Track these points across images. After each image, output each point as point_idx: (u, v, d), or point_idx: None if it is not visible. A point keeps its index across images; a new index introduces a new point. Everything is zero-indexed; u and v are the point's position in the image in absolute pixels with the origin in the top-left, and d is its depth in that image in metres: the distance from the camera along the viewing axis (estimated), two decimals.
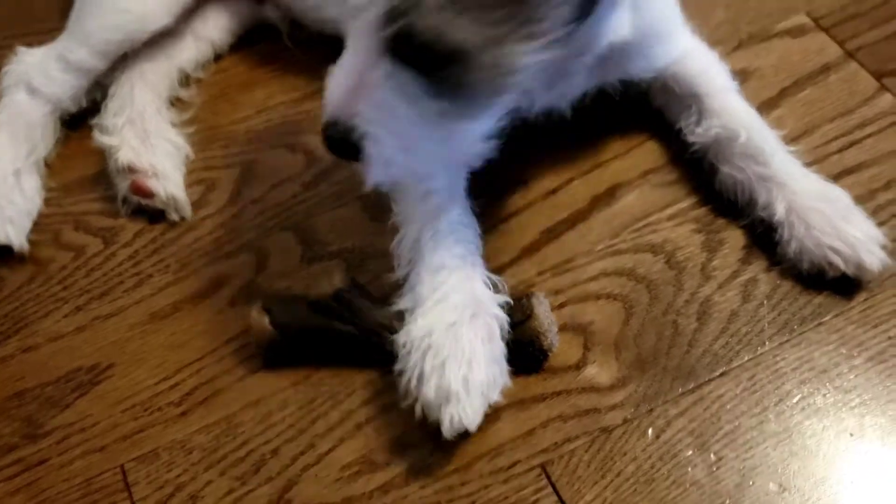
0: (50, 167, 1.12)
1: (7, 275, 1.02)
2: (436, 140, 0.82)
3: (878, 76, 1.09)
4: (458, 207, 0.94)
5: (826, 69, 1.10)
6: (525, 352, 0.88)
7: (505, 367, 0.85)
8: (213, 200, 1.06)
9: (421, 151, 0.82)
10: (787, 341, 0.90)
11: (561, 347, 0.91)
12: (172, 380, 0.93)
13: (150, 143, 1.06)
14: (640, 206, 1.00)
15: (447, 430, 0.81)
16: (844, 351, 0.89)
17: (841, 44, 1.12)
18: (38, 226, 1.05)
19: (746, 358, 0.89)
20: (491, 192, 1.02)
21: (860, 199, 0.97)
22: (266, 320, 0.90)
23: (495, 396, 0.84)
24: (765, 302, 0.92)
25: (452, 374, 0.82)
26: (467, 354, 0.83)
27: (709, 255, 0.96)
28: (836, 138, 1.04)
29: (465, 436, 0.84)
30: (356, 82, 0.78)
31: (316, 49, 1.15)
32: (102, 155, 1.09)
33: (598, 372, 0.90)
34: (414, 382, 0.83)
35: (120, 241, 1.04)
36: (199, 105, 1.15)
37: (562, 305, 0.94)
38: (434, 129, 0.81)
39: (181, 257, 1.02)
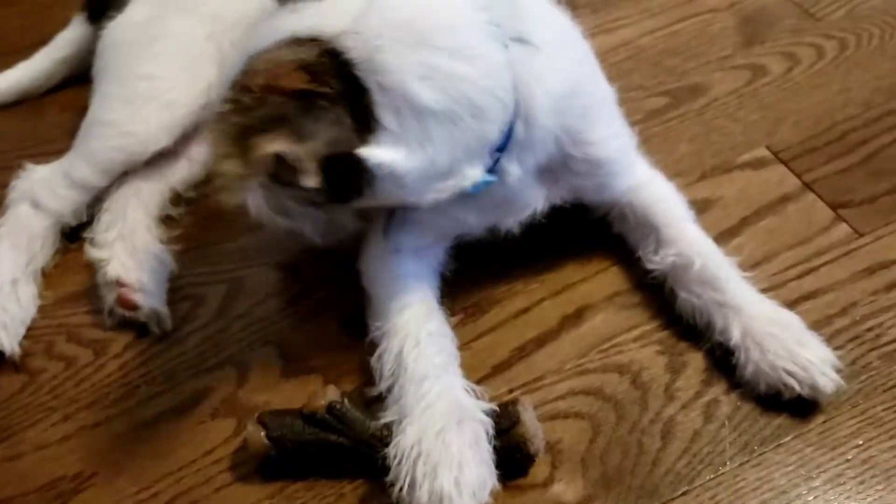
0: (48, 277, 1.17)
1: (0, 383, 1.06)
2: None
3: (834, 207, 1.15)
4: (435, 319, 0.99)
5: (785, 200, 1.17)
6: (512, 457, 0.92)
7: (493, 469, 0.89)
8: (200, 315, 1.11)
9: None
10: (748, 461, 0.93)
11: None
12: (153, 489, 0.96)
13: (139, 259, 1.12)
14: (607, 328, 1.05)
15: None
16: (803, 472, 0.92)
17: (799, 176, 1.19)
18: (33, 337, 1.10)
19: (708, 477, 0.92)
20: (465, 310, 1.07)
21: (817, 325, 1.02)
22: (262, 434, 0.93)
23: (486, 498, 0.87)
24: (726, 423, 0.96)
25: (444, 478, 0.85)
26: (457, 458, 0.87)
27: (672, 376, 1.00)
28: (793, 266, 1.09)
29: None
30: None
31: None
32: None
33: (565, 490, 0.92)
34: (406, 489, 0.86)
35: (110, 353, 1.08)
36: (191, 224, 1.21)
37: None
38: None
39: (167, 370, 1.06)
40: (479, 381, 1.00)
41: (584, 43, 1.04)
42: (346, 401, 0.94)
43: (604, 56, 1.36)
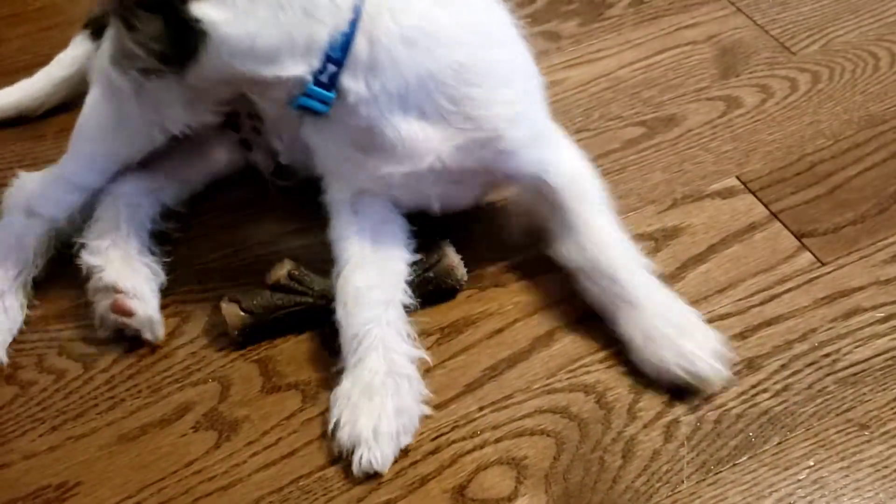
0: (42, 290, 1.20)
1: None
2: None
3: (799, 236, 1.19)
4: (373, 271, 1.08)
5: (752, 228, 1.21)
6: (444, 285, 1.13)
7: (415, 416, 1.01)
8: (186, 331, 1.15)
9: None
10: (704, 480, 0.97)
11: (494, 480, 0.98)
12: (134, 498, 1.00)
13: (133, 266, 1.14)
14: (576, 349, 1.09)
15: (356, 469, 0.98)
16: (756, 491, 0.96)
17: (767, 205, 1.24)
18: (25, 350, 1.14)
19: (665, 495, 0.96)
20: (441, 330, 1.12)
21: (777, 350, 1.07)
22: (237, 308, 1.08)
23: (407, 440, 1.00)
24: (685, 442, 1.00)
25: (363, 425, 0.98)
26: (378, 410, 0.99)
27: (636, 397, 1.04)
28: (757, 292, 1.13)
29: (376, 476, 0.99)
30: None
31: (292, 196, 1.27)
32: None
33: None
34: (334, 429, 1.00)
35: (99, 367, 1.12)
36: (181, 241, 1.25)
37: (498, 440, 1.01)
38: None
39: (153, 383, 1.10)
40: (451, 400, 1.05)
41: (488, 13, 1.06)
42: (301, 267, 1.11)
43: (584, 86, 1.44)
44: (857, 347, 1.07)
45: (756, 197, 1.25)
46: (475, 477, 0.98)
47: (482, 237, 1.22)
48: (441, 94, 1.00)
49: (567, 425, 1.02)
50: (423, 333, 1.11)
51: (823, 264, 1.16)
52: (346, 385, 1.02)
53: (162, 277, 1.18)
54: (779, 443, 0.99)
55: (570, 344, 1.10)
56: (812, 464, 0.97)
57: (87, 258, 1.15)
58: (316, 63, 0.96)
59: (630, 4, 1.59)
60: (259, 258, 1.21)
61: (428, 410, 1.03)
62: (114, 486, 1.01)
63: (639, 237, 1.20)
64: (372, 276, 1.07)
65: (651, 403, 1.03)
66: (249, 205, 1.29)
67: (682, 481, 0.97)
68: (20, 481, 1.02)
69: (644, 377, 1.05)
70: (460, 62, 1.00)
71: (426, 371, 1.07)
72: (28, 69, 1.46)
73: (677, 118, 1.37)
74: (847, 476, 0.96)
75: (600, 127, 1.37)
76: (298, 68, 0.96)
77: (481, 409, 1.04)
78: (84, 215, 1.20)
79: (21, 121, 1.44)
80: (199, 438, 1.04)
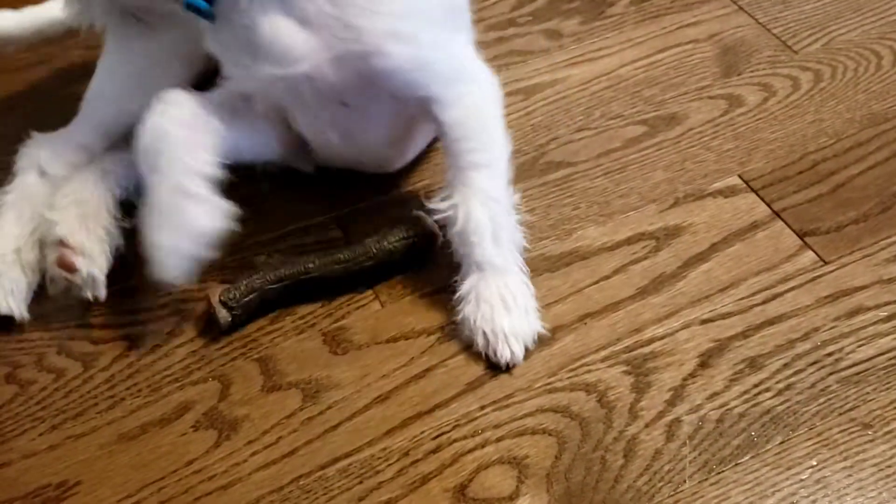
0: (41, 287, 1.18)
1: None
2: None
3: (802, 235, 1.19)
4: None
5: (754, 227, 1.21)
6: (428, 250, 1.16)
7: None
8: (186, 330, 1.15)
9: None
10: (707, 480, 0.96)
11: (495, 480, 0.97)
12: (134, 498, 0.99)
13: (88, 225, 1.15)
14: (577, 348, 1.08)
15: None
16: (759, 491, 0.95)
17: (769, 204, 1.23)
18: (24, 349, 1.14)
19: (667, 495, 0.95)
20: (441, 329, 1.11)
21: (779, 349, 1.06)
22: (228, 315, 1.11)
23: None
24: (687, 442, 1.00)
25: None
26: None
27: (637, 396, 1.04)
28: (759, 291, 1.13)
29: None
30: None
31: (292, 195, 1.27)
32: None
33: (530, 503, 0.96)
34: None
35: (98, 366, 1.12)
36: None
37: (499, 439, 1.01)
38: None
39: (153, 382, 1.10)
40: (452, 398, 1.05)
41: None
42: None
43: (585, 85, 1.43)
44: (860, 346, 1.06)
45: (758, 195, 1.25)
46: (476, 476, 0.98)
47: None
48: None
49: (568, 424, 1.02)
50: (424, 332, 1.11)
51: (826, 263, 1.15)
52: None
53: (119, 242, 1.18)
54: (781, 442, 0.99)
55: (571, 343, 1.09)
56: (815, 463, 0.97)
57: (46, 213, 1.16)
58: None
59: (631, 3, 1.58)
60: (258, 257, 1.21)
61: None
62: (114, 486, 1.01)
63: (640, 236, 1.20)
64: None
65: (652, 403, 1.03)
66: (248, 203, 1.28)
67: (685, 481, 0.96)
68: (20, 480, 1.01)
69: (641, 376, 1.05)
70: None
71: (427, 370, 1.07)
72: (27, 68, 1.46)
73: (679, 117, 1.37)
74: (850, 476, 0.96)
75: (601, 126, 1.36)
76: None
77: (482, 408, 1.04)
78: None
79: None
80: (199, 437, 1.04)
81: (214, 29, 1.04)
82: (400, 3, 1.00)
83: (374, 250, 1.14)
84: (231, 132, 1.11)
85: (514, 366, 1.06)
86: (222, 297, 1.11)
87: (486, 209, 1.08)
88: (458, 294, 1.09)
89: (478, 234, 1.07)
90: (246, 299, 1.12)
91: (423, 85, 1.06)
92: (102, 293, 1.14)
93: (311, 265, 1.14)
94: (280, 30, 0.99)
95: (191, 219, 1.04)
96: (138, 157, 1.06)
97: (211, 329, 1.14)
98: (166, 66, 1.23)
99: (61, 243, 1.12)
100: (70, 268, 1.11)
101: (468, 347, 1.08)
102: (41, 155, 1.22)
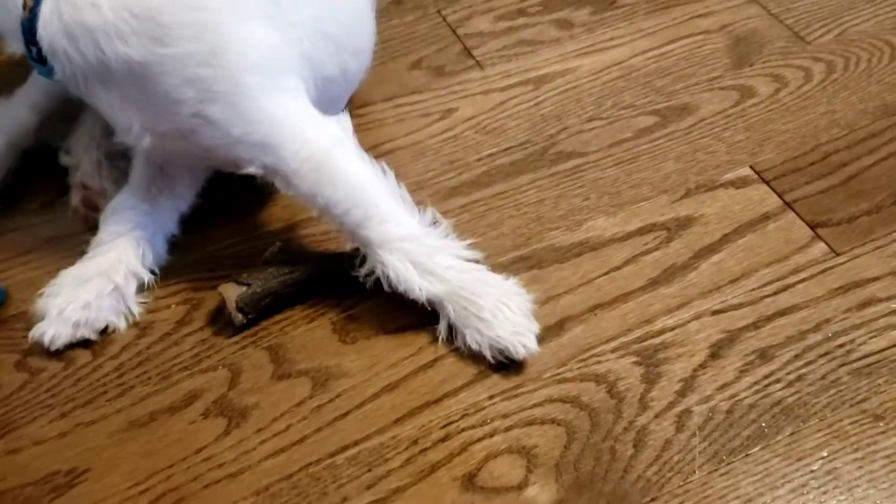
0: (50, 274, 1.18)
1: (1, 381, 1.10)
2: None
3: (813, 226, 1.18)
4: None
5: (765, 218, 1.20)
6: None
7: (102, 318, 1.12)
8: (196, 318, 1.15)
9: None
10: (716, 470, 0.96)
11: (504, 469, 0.97)
12: (143, 485, 1.00)
13: (101, 169, 1.27)
14: (587, 339, 1.08)
15: (31, 337, 1.10)
16: (769, 482, 0.95)
17: (780, 195, 1.23)
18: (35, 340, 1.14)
19: (677, 485, 0.95)
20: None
21: (790, 340, 1.06)
22: (233, 283, 1.12)
23: (86, 334, 1.11)
24: (697, 432, 0.99)
25: (54, 304, 1.10)
26: (72, 296, 1.10)
27: (647, 387, 1.03)
28: (771, 282, 1.12)
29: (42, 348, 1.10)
30: None
31: None
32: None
33: (539, 493, 0.96)
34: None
35: (108, 354, 1.12)
36: (190, 228, 1.24)
37: (508, 429, 1.01)
38: None
39: (163, 370, 1.10)
40: (461, 388, 1.05)
41: None
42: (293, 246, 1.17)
43: (596, 75, 1.43)
44: (871, 338, 1.06)
45: (770, 187, 1.24)
46: (485, 465, 0.98)
47: (491, 227, 1.21)
48: (130, 82, 1.01)
49: (578, 415, 1.01)
50: (435, 321, 1.10)
51: (837, 254, 1.15)
52: (71, 269, 1.13)
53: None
54: (792, 433, 0.98)
55: (580, 333, 1.09)
56: (826, 455, 0.96)
57: (64, 158, 1.30)
58: (21, 43, 1.02)
59: None
60: (269, 246, 1.21)
61: (120, 323, 1.13)
62: (123, 473, 1.01)
63: (651, 227, 1.20)
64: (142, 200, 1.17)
65: (663, 393, 1.02)
66: (259, 192, 1.29)
67: (694, 471, 0.96)
68: (30, 467, 1.02)
69: (651, 367, 1.04)
70: (139, 62, 0.99)
71: (435, 360, 1.07)
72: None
73: (690, 107, 1.36)
74: (861, 467, 0.95)
75: (612, 116, 1.36)
76: (17, 47, 1.03)
77: (491, 397, 1.04)
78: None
79: None
80: (209, 425, 1.04)
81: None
82: (200, 87, 0.99)
83: None
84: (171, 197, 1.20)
85: (532, 354, 1.04)
86: (239, 303, 1.10)
87: (400, 255, 1.06)
88: (439, 335, 1.08)
89: (410, 281, 1.06)
90: (262, 303, 1.12)
91: (252, 157, 1.05)
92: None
93: (323, 266, 1.13)
94: (114, 106, 1.05)
95: (105, 302, 1.12)
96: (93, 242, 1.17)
97: (221, 317, 1.14)
98: None
99: (84, 186, 1.25)
100: (94, 207, 1.24)
101: (489, 366, 1.06)
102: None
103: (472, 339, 1.05)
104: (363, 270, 1.09)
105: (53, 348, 1.10)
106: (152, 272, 1.16)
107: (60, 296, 1.11)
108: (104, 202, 1.22)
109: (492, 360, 1.05)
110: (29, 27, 1.00)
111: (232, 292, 1.11)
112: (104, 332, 1.14)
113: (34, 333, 1.10)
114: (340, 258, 1.13)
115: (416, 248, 1.07)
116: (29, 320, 1.14)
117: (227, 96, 1.01)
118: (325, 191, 1.05)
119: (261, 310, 1.12)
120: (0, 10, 1.02)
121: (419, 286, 1.06)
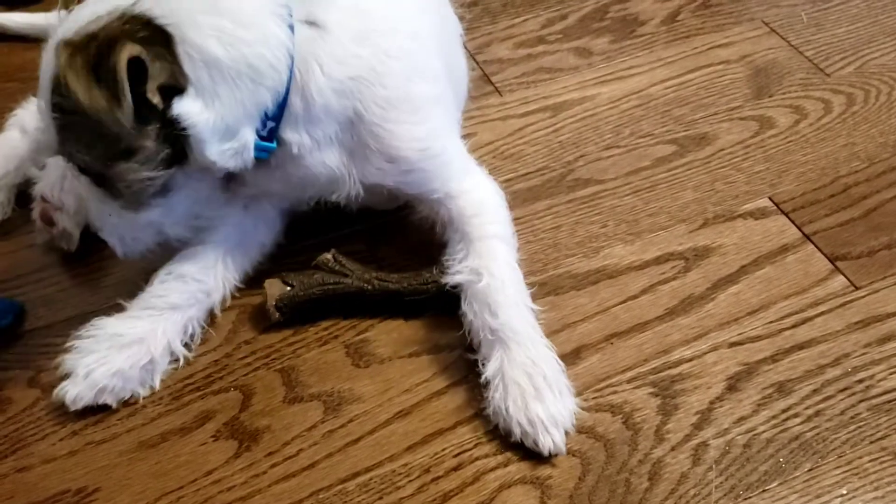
0: (65, 291, 1.20)
1: (14, 397, 1.10)
2: (138, 224, 1.07)
3: (833, 259, 1.17)
4: (199, 263, 1.13)
5: (784, 250, 1.19)
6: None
7: (129, 388, 1.07)
8: (209, 339, 1.14)
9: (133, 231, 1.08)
10: None
11: (517, 499, 0.96)
12: None
13: (66, 184, 1.25)
14: (603, 368, 1.07)
15: (54, 394, 1.06)
16: None
17: (800, 227, 1.22)
18: (46, 354, 1.13)
19: None
20: (464, 345, 1.10)
21: (809, 374, 1.05)
22: (279, 281, 1.12)
23: (108, 400, 1.06)
24: (714, 466, 0.98)
25: (83, 363, 1.05)
26: (105, 360, 1.06)
27: (664, 419, 1.02)
28: (789, 315, 1.11)
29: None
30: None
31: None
32: (119, 287, 1.19)
33: None
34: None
35: None
36: None
37: (523, 458, 0.99)
38: (127, 217, 1.06)
39: (175, 390, 1.09)
40: (474, 416, 1.04)
41: (412, 42, 1.09)
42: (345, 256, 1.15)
43: (615, 103, 1.43)
44: (891, 374, 1.04)
45: (789, 218, 1.23)
46: (498, 495, 0.97)
47: None
48: (367, 132, 1.06)
49: (593, 445, 1.00)
50: (447, 347, 1.10)
51: (857, 288, 1.14)
52: (111, 321, 1.09)
53: None
54: (810, 469, 0.97)
55: (596, 363, 1.08)
56: (845, 492, 0.95)
57: (32, 169, 1.29)
58: (260, 125, 1.02)
59: (662, 22, 1.58)
60: (284, 265, 1.21)
61: (144, 392, 1.08)
62: (132, 493, 1.00)
63: (669, 256, 1.19)
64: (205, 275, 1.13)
65: (679, 426, 1.01)
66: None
67: None
68: (39, 485, 1.01)
69: (668, 398, 1.03)
70: (385, 98, 1.05)
71: (449, 386, 1.06)
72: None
73: (709, 137, 1.36)
74: None
75: (631, 144, 1.35)
76: (251, 136, 1.02)
77: None
78: None
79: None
80: (219, 447, 1.03)
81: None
82: (426, 126, 1.09)
83: (426, 283, 1.12)
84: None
85: (556, 455, 0.99)
86: (279, 302, 1.11)
87: (509, 271, 1.07)
88: (483, 377, 1.03)
89: (502, 294, 1.05)
90: (302, 307, 1.12)
91: (440, 186, 1.13)
92: (74, 246, 1.24)
93: (367, 286, 1.12)
94: (333, 168, 1.08)
95: (134, 373, 1.07)
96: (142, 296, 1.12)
97: (233, 339, 1.14)
98: None
99: (42, 199, 1.24)
100: (49, 221, 1.23)
101: (506, 437, 1.01)
102: (26, 116, 1.33)
103: (508, 414, 0.99)
104: (464, 266, 1.07)
105: (73, 409, 1.05)
106: (187, 346, 1.12)
107: (92, 354, 1.06)
108: (61, 217, 1.21)
109: (520, 440, 0.99)
110: (282, 98, 1.01)
111: (275, 289, 1.12)
112: None
113: (58, 392, 1.05)
114: (384, 284, 1.12)
115: (520, 285, 1.08)
116: (43, 337, 1.14)
117: (445, 131, 1.14)
118: (485, 205, 1.13)
119: (299, 312, 1.12)
120: (235, 107, 0.99)
121: (507, 311, 1.04)
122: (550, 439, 0.98)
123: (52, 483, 1.01)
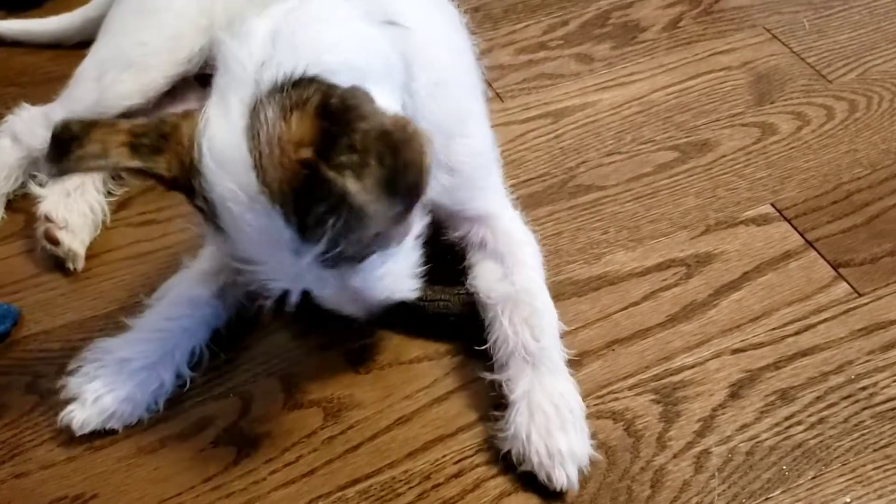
0: (65, 297, 1.20)
1: (11, 403, 1.09)
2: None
3: (835, 266, 1.17)
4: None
5: (787, 256, 1.18)
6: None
7: (136, 414, 1.04)
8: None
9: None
10: None
11: None
12: None
13: (70, 202, 1.26)
14: (604, 375, 1.06)
15: (60, 418, 1.03)
16: None
17: (802, 234, 1.21)
18: (46, 360, 1.13)
19: None
20: (467, 351, 1.09)
21: (812, 382, 1.04)
22: None
23: (114, 424, 1.04)
24: (716, 474, 0.97)
25: (90, 388, 1.03)
26: (113, 386, 1.03)
27: (666, 426, 1.01)
28: (792, 322, 1.11)
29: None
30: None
31: None
32: (117, 292, 1.19)
33: None
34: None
35: None
36: None
37: None
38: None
39: (173, 396, 1.08)
40: (475, 422, 1.03)
41: (469, 56, 1.10)
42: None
43: (616, 109, 1.42)
44: (895, 381, 1.04)
45: (791, 225, 1.23)
46: (498, 503, 0.96)
47: None
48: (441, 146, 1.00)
49: (594, 453, 0.99)
50: (448, 354, 1.09)
51: (860, 295, 1.13)
52: (117, 343, 1.07)
53: (99, 217, 1.28)
54: (813, 477, 0.96)
55: (598, 370, 1.07)
56: (848, 500, 0.94)
57: (33, 188, 1.28)
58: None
59: (664, 29, 1.57)
60: None
61: (148, 416, 1.05)
62: (130, 500, 0.99)
63: (671, 262, 1.18)
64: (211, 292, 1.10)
65: (681, 433, 1.00)
66: None
67: None
68: (37, 491, 1.00)
69: (670, 405, 1.03)
70: (456, 109, 1.04)
71: (450, 392, 1.05)
72: (60, 79, 1.47)
73: (711, 143, 1.35)
74: None
75: (632, 150, 1.35)
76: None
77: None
78: None
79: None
80: (219, 454, 1.02)
81: None
82: (481, 141, 1.09)
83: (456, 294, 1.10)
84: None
85: (567, 492, 0.97)
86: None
87: (549, 301, 1.05)
88: (510, 397, 1.00)
89: (546, 321, 1.03)
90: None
91: (484, 204, 1.11)
92: (80, 265, 1.23)
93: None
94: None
95: (142, 397, 1.05)
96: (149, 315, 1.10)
97: (234, 345, 1.13)
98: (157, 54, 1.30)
99: (46, 218, 1.24)
100: (54, 241, 1.22)
101: (517, 466, 0.98)
102: (17, 124, 1.33)
103: (529, 442, 0.97)
104: (502, 286, 1.05)
105: (80, 433, 1.03)
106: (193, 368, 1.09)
107: (99, 379, 1.04)
108: (66, 236, 1.21)
109: (534, 469, 0.96)
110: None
111: None
112: None
113: (63, 417, 1.03)
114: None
115: (551, 307, 1.05)
116: (41, 343, 1.14)
117: (483, 143, 1.11)
118: (517, 237, 1.11)
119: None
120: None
121: (543, 332, 1.02)
122: (565, 474, 0.95)
123: (49, 489, 1.01)
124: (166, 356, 1.06)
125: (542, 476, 0.95)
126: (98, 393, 1.03)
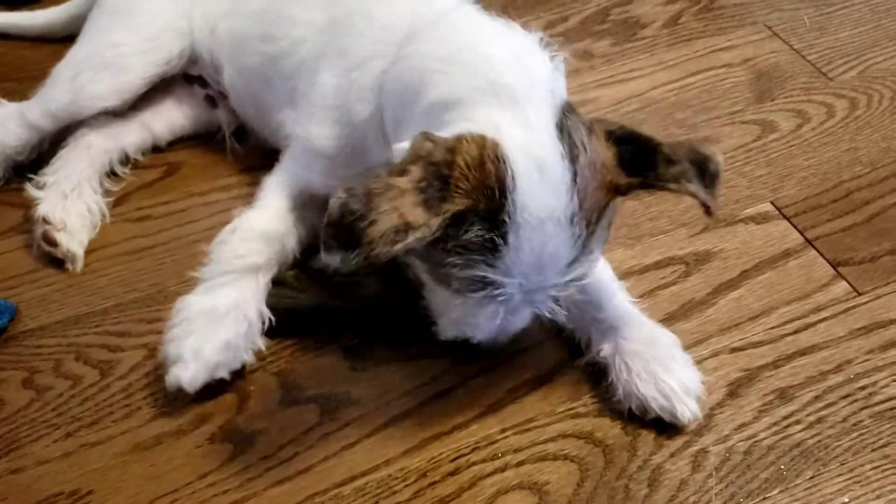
0: (62, 292, 1.19)
1: (7, 398, 1.08)
2: None
3: (835, 264, 1.16)
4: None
5: (786, 255, 1.18)
6: None
7: (240, 358, 1.05)
8: None
9: None
10: None
11: None
12: None
13: (67, 203, 1.26)
14: (602, 373, 1.05)
15: (168, 383, 1.02)
16: None
17: (802, 232, 1.21)
18: (42, 355, 1.12)
19: None
20: (463, 347, 1.09)
21: (810, 381, 1.04)
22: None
23: (223, 374, 1.04)
24: (713, 473, 0.97)
25: (188, 346, 1.02)
26: (209, 336, 1.02)
27: (664, 424, 1.01)
28: (791, 321, 1.10)
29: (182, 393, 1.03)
30: None
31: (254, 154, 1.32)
32: (114, 288, 1.19)
33: None
34: (165, 337, 1.05)
35: (116, 374, 1.11)
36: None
37: (520, 464, 0.98)
38: None
39: (170, 393, 1.08)
40: (472, 419, 1.03)
41: None
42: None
43: (616, 106, 1.42)
44: (894, 381, 1.04)
45: (791, 223, 1.22)
46: (495, 501, 0.96)
47: None
48: None
49: (591, 451, 0.99)
50: (447, 351, 1.08)
51: (860, 294, 1.13)
52: (194, 298, 1.06)
53: (105, 216, 1.28)
54: (812, 477, 0.96)
55: (596, 367, 1.07)
56: (847, 500, 0.94)
57: (30, 190, 1.27)
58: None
59: (664, 25, 1.57)
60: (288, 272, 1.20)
61: (250, 358, 1.06)
62: (126, 496, 0.99)
63: (670, 260, 1.18)
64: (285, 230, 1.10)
65: (678, 432, 1.00)
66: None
67: None
68: (32, 487, 1.00)
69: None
70: None
71: (447, 390, 1.05)
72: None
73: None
74: None
75: None
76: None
77: (503, 430, 1.02)
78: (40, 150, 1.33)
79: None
80: (215, 450, 1.02)
81: None
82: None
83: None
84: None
85: (696, 421, 0.99)
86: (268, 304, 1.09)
87: (600, 271, 1.04)
88: (599, 362, 1.02)
89: (605, 292, 1.04)
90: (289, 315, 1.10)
91: None
92: (79, 266, 1.22)
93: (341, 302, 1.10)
94: None
95: (240, 341, 1.04)
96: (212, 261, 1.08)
97: None
98: (133, 56, 1.29)
99: (44, 220, 1.23)
100: (52, 243, 1.22)
101: (640, 418, 1.00)
102: None
103: (640, 392, 0.98)
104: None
105: (192, 390, 1.02)
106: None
107: (193, 335, 1.03)
108: (64, 237, 1.21)
109: (657, 415, 0.99)
110: None
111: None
112: (113, 351, 1.13)
113: (170, 381, 1.02)
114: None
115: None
116: (38, 338, 1.13)
117: None
118: None
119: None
120: None
121: (618, 299, 1.04)
122: (687, 409, 0.98)
123: (45, 485, 1.00)
124: (244, 294, 1.06)
125: (669, 419, 0.98)
126: (196, 348, 1.02)
